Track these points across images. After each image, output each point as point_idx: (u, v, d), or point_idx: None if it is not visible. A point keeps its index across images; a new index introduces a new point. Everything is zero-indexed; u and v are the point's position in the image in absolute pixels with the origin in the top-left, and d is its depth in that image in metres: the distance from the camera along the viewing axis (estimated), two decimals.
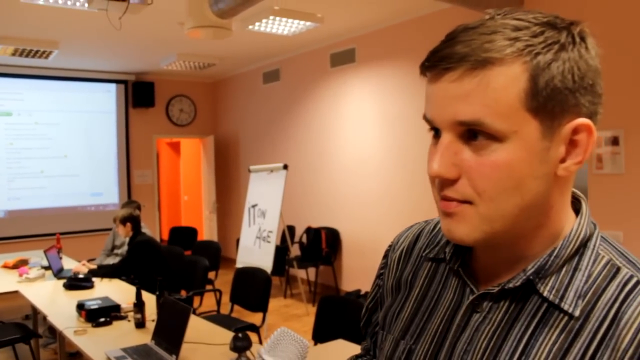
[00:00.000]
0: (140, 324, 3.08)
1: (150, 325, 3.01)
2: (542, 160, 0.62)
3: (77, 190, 8.04)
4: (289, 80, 7.42)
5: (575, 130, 0.63)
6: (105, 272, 4.48)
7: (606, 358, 0.59)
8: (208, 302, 5.38)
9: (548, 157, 0.63)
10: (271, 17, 5.05)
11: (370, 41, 6.03)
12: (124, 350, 2.67)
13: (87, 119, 8.11)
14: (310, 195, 7.08)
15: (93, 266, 4.59)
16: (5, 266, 5.06)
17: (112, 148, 8.32)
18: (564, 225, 0.68)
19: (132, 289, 3.77)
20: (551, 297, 0.64)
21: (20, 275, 4.56)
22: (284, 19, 5.15)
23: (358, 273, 6.34)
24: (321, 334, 3.22)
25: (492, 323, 0.68)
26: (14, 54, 6.37)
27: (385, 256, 0.92)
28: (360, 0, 5.01)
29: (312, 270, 6.75)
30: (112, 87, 8.30)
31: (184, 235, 7.50)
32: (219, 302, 4.66)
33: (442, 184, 0.65)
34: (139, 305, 3.07)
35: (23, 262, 5.07)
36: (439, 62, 0.63)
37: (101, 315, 3.19)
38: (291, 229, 7.06)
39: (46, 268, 4.71)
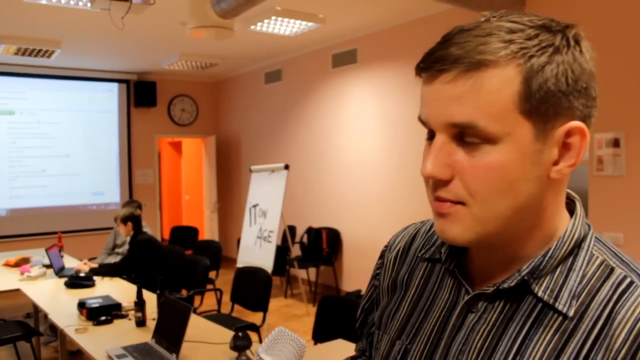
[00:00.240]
0: (141, 323, 3.09)
1: (151, 324, 3.02)
2: (535, 163, 0.63)
3: (79, 189, 8.05)
4: (291, 81, 7.43)
5: (569, 133, 0.63)
6: (106, 271, 4.49)
7: (600, 358, 0.60)
8: (209, 301, 5.39)
9: (541, 160, 0.63)
10: (273, 18, 5.06)
11: (372, 42, 6.04)
12: (125, 348, 2.68)
13: (89, 118, 8.12)
14: (311, 195, 7.08)
15: (94, 265, 4.61)
16: (7, 264, 5.07)
17: (113, 147, 8.34)
18: (558, 226, 0.68)
19: (133, 288, 3.78)
20: (545, 297, 0.64)
21: (22, 273, 4.58)
22: (285, 20, 5.17)
23: (358, 273, 6.35)
24: (321, 334, 3.23)
25: (487, 323, 0.68)
26: (16, 53, 6.39)
27: (382, 256, 0.92)
28: (362, 1, 5.01)
29: (312, 271, 6.75)
30: (114, 86, 8.32)
31: (185, 234, 7.51)
32: (219, 302, 4.67)
33: (435, 185, 0.66)
34: (140, 304, 3.09)
35: (25, 261, 5.09)
36: (433, 63, 0.63)
37: (102, 314, 3.20)
38: (292, 229, 7.06)
39: (47, 266, 4.72)
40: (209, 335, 2.87)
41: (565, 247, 0.66)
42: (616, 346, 0.59)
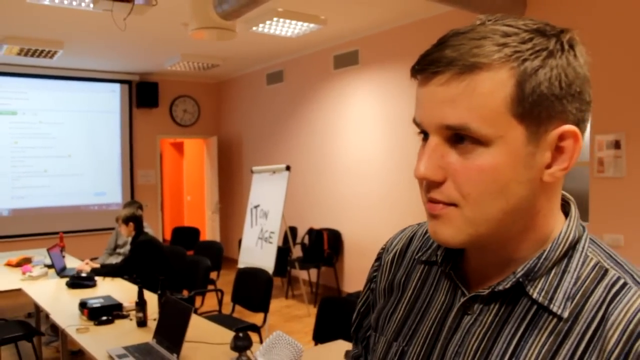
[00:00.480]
0: (142, 323, 3.10)
1: (152, 324, 3.03)
2: (527, 166, 0.63)
3: (81, 189, 8.07)
4: (293, 82, 7.44)
5: (562, 137, 0.63)
6: (107, 271, 4.51)
7: (594, 359, 0.60)
8: (210, 302, 5.40)
9: (533, 163, 0.63)
10: (275, 19, 5.07)
11: (374, 43, 6.05)
12: (126, 348, 2.69)
13: (91, 118, 8.14)
14: (313, 196, 7.09)
15: (96, 265, 4.62)
16: (9, 264, 5.09)
17: (115, 148, 8.36)
18: (552, 228, 0.68)
19: (134, 288, 3.79)
20: (540, 299, 0.65)
21: (24, 273, 4.59)
22: (287, 21, 5.17)
23: (360, 275, 6.35)
24: (322, 335, 3.23)
25: (483, 325, 0.68)
26: (19, 54, 6.41)
27: (379, 258, 0.92)
28: (364, 2, 5.02)
29: (313, 272, 6.76)
30: (116, 87, 8.34)
31: (186, 235, 7.52)
32: (220, 302, 4.68)
33: (428, 186, 0.66)
34: (141, 304, 3.09)
35: (26, 261, 5.10)
36: (428, 65, 0.64)
37: (103, 314, 3.21)
38: (293, 230, 7.07)
39: (49, 266, 4.74)
40: (210, 336, 2.88)
41: (559, 249, 0.67)
42: (609, 347, 0.59)
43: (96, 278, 4.26)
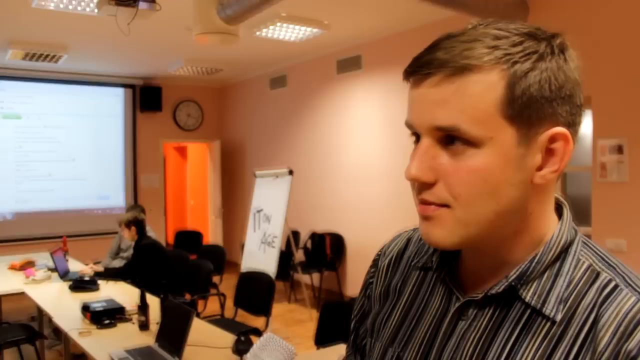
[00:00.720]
0: (144, 326, 3.11)
1: (154, 327, 3.04)
2: (518, 167, 0.63)
3: (84, 193, 8.10)
4: (296, 86, 7.46)
5: (552, 139, 0.64)
6: (110, 274, 4.52)
7: None
8: (212, 305, 5.40)
9: (524, 165, 0.63)
10: (278, 24, 5.09)
11: (377, 48, 6.06)
12: (128, 351, 2.70)
13: (95, 122, 8.18)
14: (315, 200, 7.10)
15: (99, 268, 4.63)
16: (12, 267, 5.11)
17: (119, 152, 8.39)
18: (545, 231, 0.68)
19: (136, 292, 3.80)
20: (533, 302, 0.65)
21: (27, 276, 4.61)
22: (290, 26, 5.20)
23: (362, 279, 6.31)
24: (323, 338, 3.23)
25: (477, 330, 0.68)
26: (24, 58, 6.45)
27: (374, 264, 0.92)
28: (367, 7, 5.04)
29: (316, 276, 6.75)
30: (120, 91, 8.37)
31: (189, 239, 7.54)
32: (223, 306, 4.68)
33: (420, 188, 0.67)
34: (143, 308, 3.11)
35: (29, 264, 5.12)
36: (419, 68, 0.65)
37: (106, 317, 3.22)
38: (296, 234, 7.07)
39: (52, 270, 4.75)
40: (212, 339, 2.89)
41: (552, 252, 0.67)
42: (600, 347, 0.60)
43: (99, 281, 4.27)
